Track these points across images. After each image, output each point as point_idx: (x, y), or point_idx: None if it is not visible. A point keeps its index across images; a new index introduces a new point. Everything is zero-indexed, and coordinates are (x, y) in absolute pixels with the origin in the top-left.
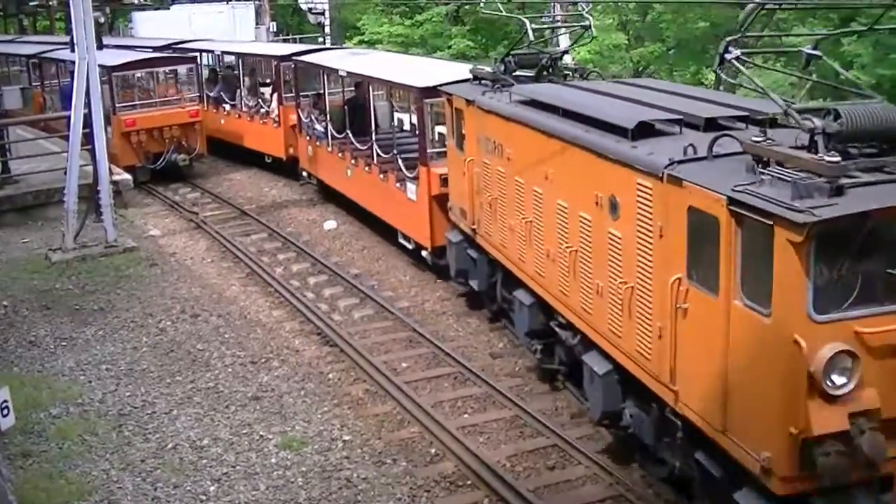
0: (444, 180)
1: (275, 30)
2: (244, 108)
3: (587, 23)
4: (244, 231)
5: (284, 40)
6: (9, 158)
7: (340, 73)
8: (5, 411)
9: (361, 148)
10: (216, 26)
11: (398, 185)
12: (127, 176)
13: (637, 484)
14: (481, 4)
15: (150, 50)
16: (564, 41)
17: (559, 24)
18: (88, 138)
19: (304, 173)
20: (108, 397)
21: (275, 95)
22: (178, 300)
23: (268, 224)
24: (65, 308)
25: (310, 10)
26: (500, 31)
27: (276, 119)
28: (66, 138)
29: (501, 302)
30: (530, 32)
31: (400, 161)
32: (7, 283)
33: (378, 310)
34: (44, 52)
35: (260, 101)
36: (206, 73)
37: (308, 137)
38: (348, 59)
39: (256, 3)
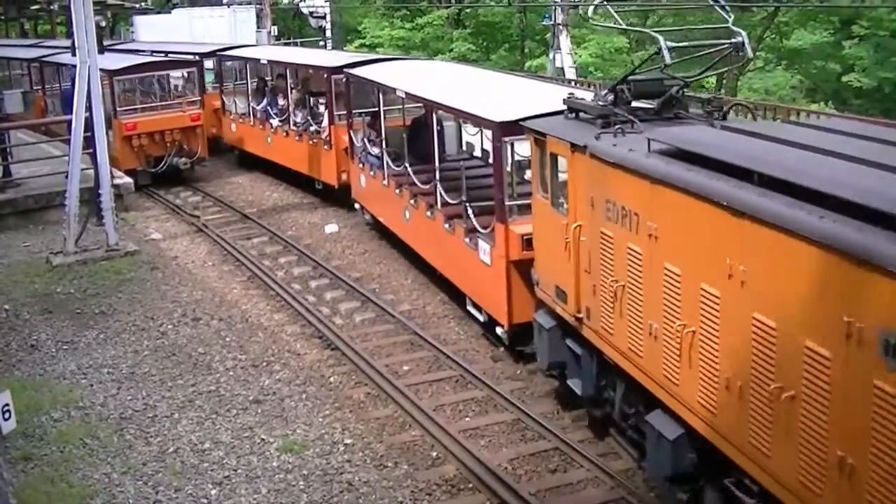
0: (528, 241)
1: (276, 34)
2: (293, 126)
3: (740, 39)
4: (245, 235)
5: (286, 44)
6: (10, 162)
7: (398, 93)
8: (7, 415)
9: (422, 186)
10: (217, 30)
11: (467, 241)
12: (128, 179)
13: (639, 487)
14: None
15: (196, 56)
16: (565, 44)
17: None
18: (90, 142)
19: (357, 205)
20: (109, 401)
21: (327, 113)
22: (180, 304)
23: (269, 227)
24: (66, 312)
25: (311, 13)
26: (501, 34)
27: (328, 140)
28: (68, 142)
29: (621, 420)
30: (666, 54)
31: (470, 210)
32: (8, 286)
33: (379, 313)
34: (45, 56)
35: (309, 118)
36: (253, 83)
37: (361, 165)
38: (409, 76)
39: (257, 6)
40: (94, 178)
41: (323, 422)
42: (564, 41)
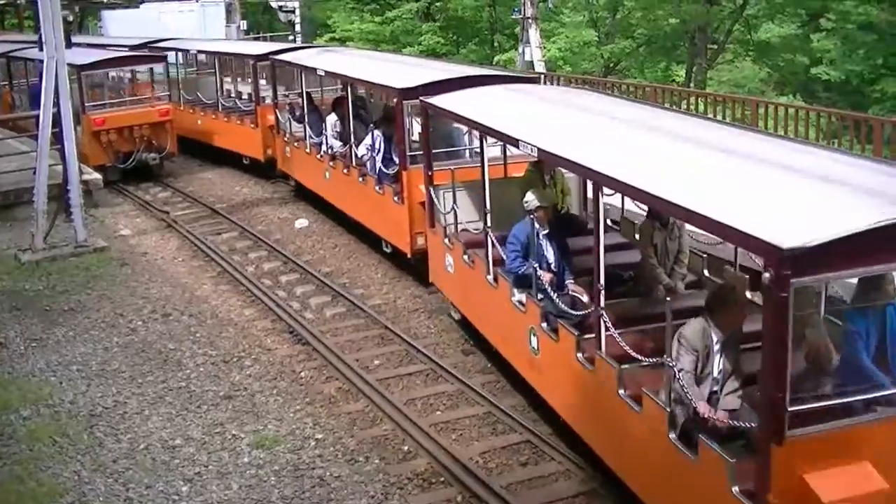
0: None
1: (245, 28)
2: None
3: None
4: (215, 230)
5: (255, 38)
6: None
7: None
8: None
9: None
10: (186, 25)
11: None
12: (97, 175)
13: (611, 479)
14: None
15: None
16: (535, 38)
17: None
18: (58, 138)
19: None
20: (79, 398)
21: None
22: (149, 300)
23: (239, 223)
24: (35, 309)
25: (280, 8)
26: (470, 28)
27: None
28: (35, 138)
29: None
30: None
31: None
32: None
33: (350, 307)
34: (12, 52)
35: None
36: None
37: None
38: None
39: (227, 1)
40: (63, 174)
41: (294, 417)
42: (534, 35)
